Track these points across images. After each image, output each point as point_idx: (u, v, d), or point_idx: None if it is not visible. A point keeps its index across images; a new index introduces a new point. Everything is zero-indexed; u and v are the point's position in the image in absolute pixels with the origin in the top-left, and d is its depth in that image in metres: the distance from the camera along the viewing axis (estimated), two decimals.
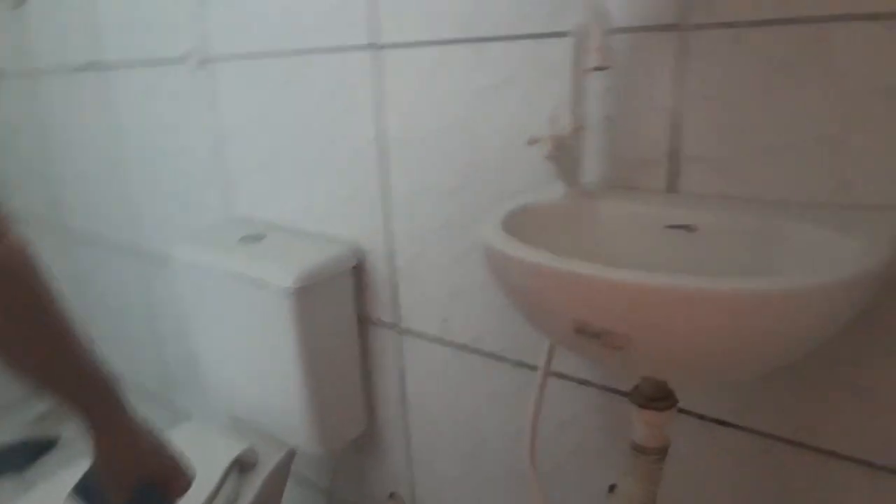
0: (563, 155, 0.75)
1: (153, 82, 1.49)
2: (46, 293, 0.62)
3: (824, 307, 0.50)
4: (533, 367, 1.02)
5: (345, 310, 1.19)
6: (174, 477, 0.72)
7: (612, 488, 0.86)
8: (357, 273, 1.21)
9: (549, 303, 0.57)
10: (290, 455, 1.25)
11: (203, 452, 1.18)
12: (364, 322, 1.24)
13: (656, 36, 0.77)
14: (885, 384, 0.72)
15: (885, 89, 0.65)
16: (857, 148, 0.68)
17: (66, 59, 1.71)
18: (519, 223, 0.73)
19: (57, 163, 1.93)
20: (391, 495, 1.35)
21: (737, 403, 0.82)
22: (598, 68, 0.69)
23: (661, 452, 0.72)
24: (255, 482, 1.17)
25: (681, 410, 0.85)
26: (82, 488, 0.72)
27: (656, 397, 0.70)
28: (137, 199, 1.69)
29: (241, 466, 1.18)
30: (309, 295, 1.09)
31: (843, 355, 0.73)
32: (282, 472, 1.24)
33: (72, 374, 0.64)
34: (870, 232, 0.59)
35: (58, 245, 2.08)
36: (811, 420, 0.77)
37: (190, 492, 0.74)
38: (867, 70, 0.65)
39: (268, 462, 1.21)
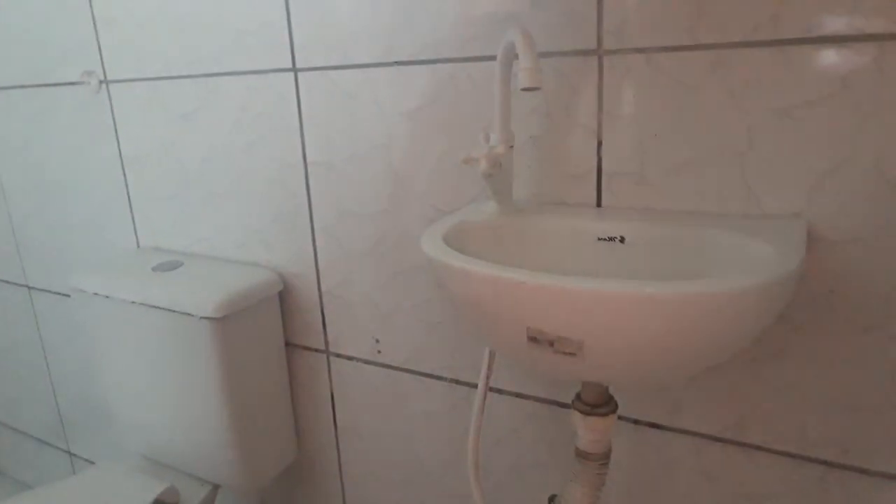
0: (497, 173, 0.77)
1: (41, 107, 1.39)
2: None
3: (762, 304, 0.54)
4: (469, 385, 1.03)
5: (271, 337, 1.15)
6: None
7: (551, 499, 0.87)
8: (283, 298, 1.17)
9: (503, 313, 0.58)
10: (214, 492, 1.18)
11: (119, 495, 1.10)
12: (292, 348, 1.21)
13: (575, 60, 0.82)
14: (796, 380, 0.78)
15: (782, 108, 0.72)
16: (761, 162, 0.74)
17: None
18: (458, 240, 0.74)
19: None
20: None
21: (668, 406, 0.87)
22: (528, 88, 0.72)
23: (605, 458, 0.74)
24: None
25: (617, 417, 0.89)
26: None
27: (598, 404, 0.73)
28: (23, 230, 1.56)
29: None
30: (232, 323, 1.05)
31: (758, 354, 0.79)
32: None
33: None
34: (781, 237, 0.65)
35: None
36: (737, 418, 0.83)
37: None
38: (765, 91, 0.72)
39: (190, 501, 1.14)
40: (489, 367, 0.87)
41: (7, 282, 1.66)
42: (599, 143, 0.83)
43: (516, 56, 0.74)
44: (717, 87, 0.74)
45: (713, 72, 0.74)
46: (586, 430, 0.73)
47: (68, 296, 1.55)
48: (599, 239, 0.76)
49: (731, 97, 0.74)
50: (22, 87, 1.40)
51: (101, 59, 1.25)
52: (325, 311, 1.14)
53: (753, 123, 0.73)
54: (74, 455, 1.77)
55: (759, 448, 0.82)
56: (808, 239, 0.72)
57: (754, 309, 0.54)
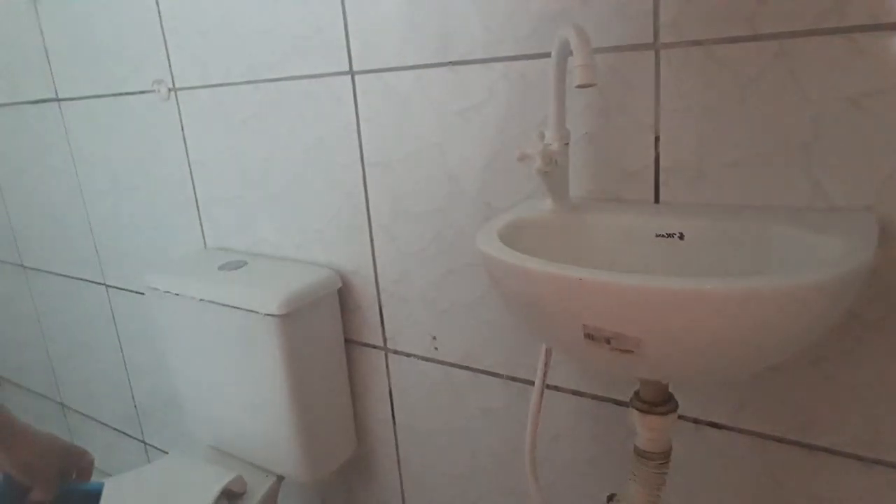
0: (553, 170, 0.77)
1: (115, 115, 1.47)
2: None
3: (829, 301, 0.53)
4: (525, 382, 1.03)
5: (331, 333, 1.18)
6: (80, 456, 0.80)
7: (610, 498, 0.87)
8: (342, 296, 1.20)
9: (559, 310, 0.59)
10: (278, 483, 1.23)
11: (190, 483, 1.16)
12: (351, 344, 1.24)
13: (631, 55, 0.81)
14: (869, 380, 0.75)
15: (849, 98, 0.69)
16: (828, 153, 0.71)
17: (17, 94, 1.67)
18: (513, 237, 0.75)
19: (8, 197, 1.88)
20: None
21: (730, 406, 0.85)
22: (583, 85, 0.71)
23: (665, 457, 0.73)
24: None
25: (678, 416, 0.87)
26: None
27: (658, 402, 0.72)
28: (100, 231, 1.65)
29: (229, 496, 1.15)
30: (295, 320, 1.08)
31: (827, 353, 0.76)
32: (270, 501, 1.21)
33: None
34: (849, 232, 0.63)
35: (15, 281, 2.01)
36: (802, 418, 0.80)
37: None
38: (832, 80, 0.69)
39: (256, 491, 1.18)
40: (546, 365, 0.87)
41: (87, 280, 1.76)
42: (657, 139, 0.81)
43: (570, 53, 0.74)
44: (781, 77, 0.72)
45: (776, 62, 0.72)
46: (645, 429, 0.72)
47: (142, 294, 1.63)
48: (657, 235, 0.75)
49: (796, 87, 0.72)
50: (99, 96, 1.48)
51: (170, 67, 1.31)
52: (383, 309, 1.17)
53: (819, 114, 0.71)
54: (149, 444, 1.87)
55: (827, 450, 0.79)
56: (879, 233, 0.69)
57: (821, 305, 0.53)
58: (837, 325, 0.75)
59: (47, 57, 1.55)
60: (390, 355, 1.19)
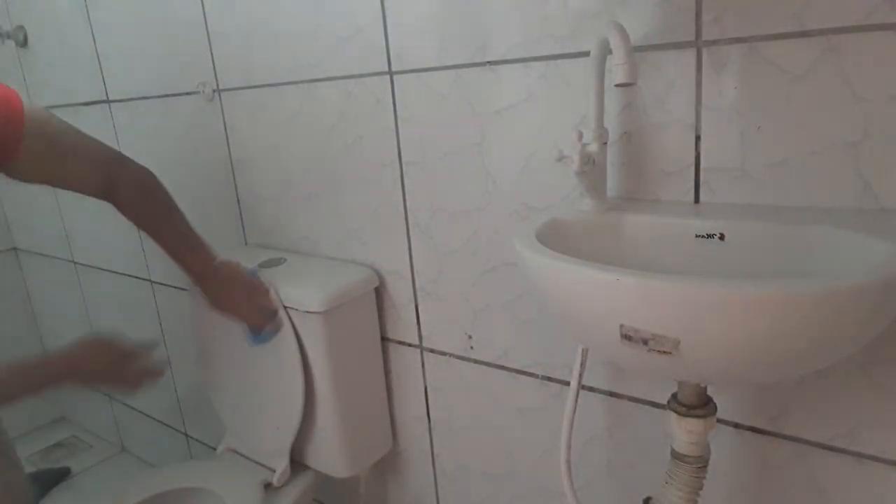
0: (591, 170, 0.77)
1: (161, 116, 1.51)
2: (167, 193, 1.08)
3: (876, 304, 0.51)
4: (561, 382, 1.02)
5: (369, 331, 1.20)
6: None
7: (646, 501, 0.86)
8: (379, 294, 1.22)
9: (596, 310, 0.58)
10: (315, 478, 1.25)
11: (231, 478, 1.18)
12: (387, 342, 1.25)
13: (672, 53, 0.80)
14: None
15: None
16: (878, 153, 0.69)
17: (71, 96, 1.74)
18: (551, 237, 0.75)
19: (59, 196, 1.95)
20: None
21: (772, 411, 0.83)
22: (623, 84, 0.71)
23: (703, 461, 0.72)
24: None
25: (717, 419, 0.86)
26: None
27: (696, 405, 0.71)
28: None
29: (268, 489, 1.18)
30: (336, 317, 1.10)
31: (877, 358, 0.74)
32: (306, 495, 1.23)
33: (182, 235, 1.08)
34: None
35: (66, 277, 2.09)
36: (849, 425, 0.78)
37: None
38: (882, 77, 0.67)
39: (294, 486, 1.20)
40: (582, 365, 0.87)
41: (133, 276, 1.82)
42: (698, 138, 0.80)
43: (610, 51, 0.74)
44: (829, 74, 0.70)
45: (824, 59, 0.70)
46: (682, 432, 0.71)
47: (185, 290, 1.67)
48: (697, 236, 0.74)
49: (845, 85, 0.70)
50: (146, 98, 1.53)
51: (215, 69, 1.35)
52: (419, 307, 1.17)
53: (869, 112, 0.69)
54: (191, 437, 1.92)
55: (874, 458, 0.77)
56: None
57: (864, 310, 0.51)
58: (888, 330, 0.72)
59: (98, 60, 1.60)
60: (426, 354, 1.20)
